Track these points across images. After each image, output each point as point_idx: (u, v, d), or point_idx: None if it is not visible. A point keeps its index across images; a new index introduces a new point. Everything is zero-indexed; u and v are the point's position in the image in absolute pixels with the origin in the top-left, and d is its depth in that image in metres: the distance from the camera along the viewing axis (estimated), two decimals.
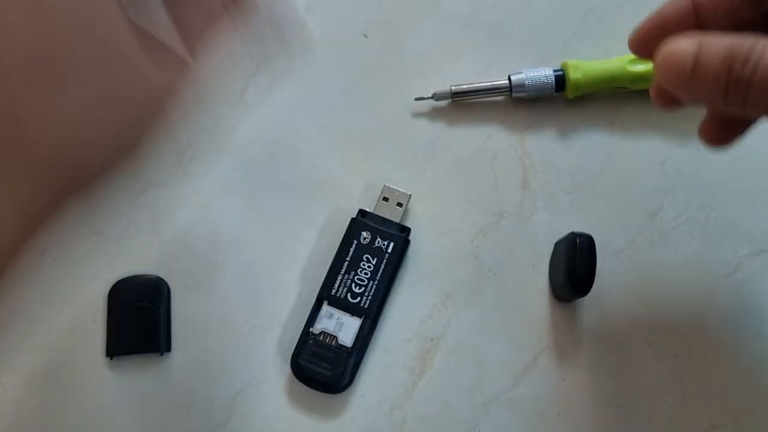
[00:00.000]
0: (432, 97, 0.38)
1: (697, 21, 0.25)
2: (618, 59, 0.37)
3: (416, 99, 0.38)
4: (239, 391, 0.34)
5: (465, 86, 0.37)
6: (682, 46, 0.21)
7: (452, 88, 0.37)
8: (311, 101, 0.39)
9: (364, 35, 0.40)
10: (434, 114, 0.38)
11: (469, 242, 0.36)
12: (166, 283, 0.35)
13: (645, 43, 0.26)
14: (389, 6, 0.40)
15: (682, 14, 0.25)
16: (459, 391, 0.34)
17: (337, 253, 0.34)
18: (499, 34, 0.40)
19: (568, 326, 0.34)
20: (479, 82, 0.37)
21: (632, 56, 0.37)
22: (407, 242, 0.35)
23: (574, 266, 0.31)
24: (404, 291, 0.35)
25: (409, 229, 0.35)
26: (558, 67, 0.37)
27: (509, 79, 0.37)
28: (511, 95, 0.37)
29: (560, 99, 0.38)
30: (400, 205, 0.35)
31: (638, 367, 0.34)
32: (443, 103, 0.38)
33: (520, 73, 0.37)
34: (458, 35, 0.40)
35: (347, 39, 0.40)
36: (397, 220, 0.35)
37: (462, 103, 0.38)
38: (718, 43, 0.21)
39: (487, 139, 0.38)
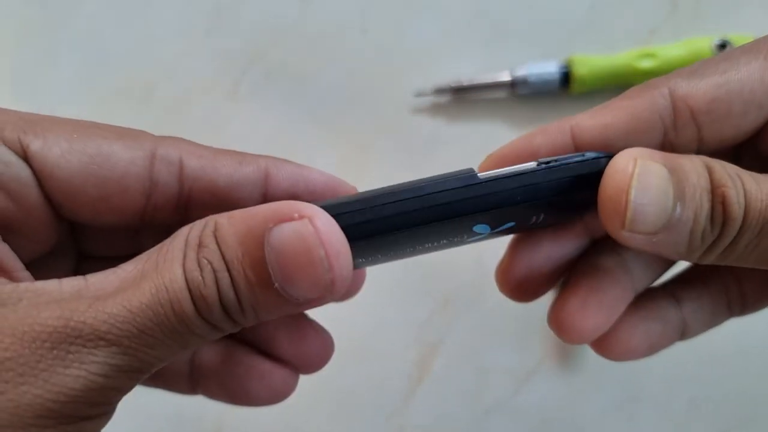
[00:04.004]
0: (432, 93, 0.37)
1: None
2: (625, 54, 0.36)
3: (416, 95, 0.37)
4: None
5: (466, 82, 0.36)
6: (654, 172, 0.16)
7: (453, 83, 0.36)
8: (306, 97, 0.38)
9: (362, 31, 0.39)
10: (434, 110, 0.37)
11: (470, 244, 0.35)
12: None
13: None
14: None
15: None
16: (459, 398, 0.33)
17: None
18: (501, 27, 0.39)
19: None
20: (481, 78, 0.37)
21: (640, 51, 0.36)
22: None
23: None
24: (402, 295, 0.34)
25: None
26: (563, 62, 0.36)
27: (511, 74, 0.36)
28: (513, 91, 0.36)
29: (565, 95, 0.37)
30: None
31: (644, 374, 0.33)
32: (444, 99, 0.37)
33: (523, 68, 0.36)
34: (459, 29, 0.39)
35: (344, 32, 0.39)
36: None
37: (463, 99, 0.37)
38: (694, 166, 0.16)
39: (489, 137, 0.37)
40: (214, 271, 0.15)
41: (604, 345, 0.20)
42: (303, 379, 0.34)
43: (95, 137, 0.17)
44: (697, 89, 0.18)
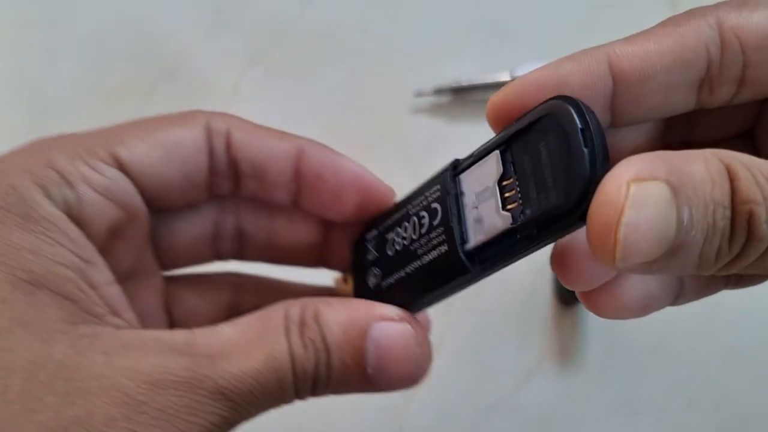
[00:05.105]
0: (432, 93, 0.37)
1: (612, 97, 0.17)
2: None
3: (416, 95, 0.37)
4: None
5: (466, 82, 0.36)
6: (652, 196, 0.13)
7: (453, 83, 0.36)
8: (307, 97, 0.38)
9: (362, 31, 0.39)
10: (435, 110, 0.37)
11: None
12: None
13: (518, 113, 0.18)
14: None
15: (590, 82, 0.17)
16: (459, 397, 0.33)
17: None
18: (501, 27, 0.39)
19: (572, 331, 0.33)
20: (481, 78, 0.36)
21: None
22: None
23: None
24: None
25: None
26: None
27: (511, 74, 0.36)
28: None
29: None
30: None
31: (644, 374, 0.33)
32: (444, 99, 0.37)
33: (523, 68, 0.36)
34: (459, 29, 0.39)
35: (344, 32, 0.39)
36: None
37: (463, 100, 0.37)
38: (706, 174, 0.13)
39: (489, 137, 0.36)
40: (316, 350, 0.17)
41: (597, 299, 0.19)
42: None
43: (160, 129, 0.19)
44: (750, 21, 0.16)
